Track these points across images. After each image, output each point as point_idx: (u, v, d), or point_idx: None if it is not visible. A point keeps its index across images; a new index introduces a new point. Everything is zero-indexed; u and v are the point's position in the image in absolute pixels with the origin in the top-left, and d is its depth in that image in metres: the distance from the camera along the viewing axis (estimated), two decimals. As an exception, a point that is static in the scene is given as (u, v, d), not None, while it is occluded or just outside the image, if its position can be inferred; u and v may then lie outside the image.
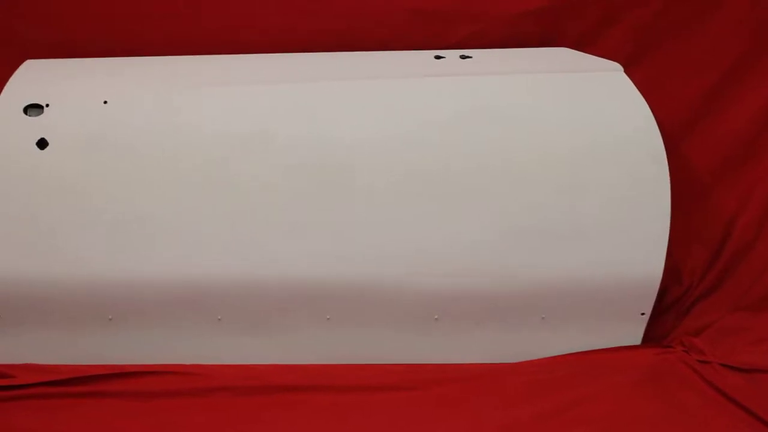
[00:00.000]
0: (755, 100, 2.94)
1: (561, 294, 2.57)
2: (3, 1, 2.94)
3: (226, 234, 2.49)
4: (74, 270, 2.49)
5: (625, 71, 2.68)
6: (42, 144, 2.47)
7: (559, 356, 2.63)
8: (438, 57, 2.85)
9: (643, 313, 2.63)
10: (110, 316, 2.55)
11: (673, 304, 2.91)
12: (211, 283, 2.52)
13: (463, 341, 2.63)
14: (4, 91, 2.57)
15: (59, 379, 2.47)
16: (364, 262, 2.52)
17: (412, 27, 3.00)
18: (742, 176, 2.98)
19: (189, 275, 2.51)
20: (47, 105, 2.52)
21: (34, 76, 2.69)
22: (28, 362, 2.57)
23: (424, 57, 2.88)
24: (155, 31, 3.01)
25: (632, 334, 2.68)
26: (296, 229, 2.49)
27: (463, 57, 2.84)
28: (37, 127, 2.49)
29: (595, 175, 2.51)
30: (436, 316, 2.59)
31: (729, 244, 2.96)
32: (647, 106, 2.56)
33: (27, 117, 2.51)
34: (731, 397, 2.44)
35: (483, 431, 2.34)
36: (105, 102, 2.53)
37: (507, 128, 2.53)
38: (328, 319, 2.58)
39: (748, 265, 2.94)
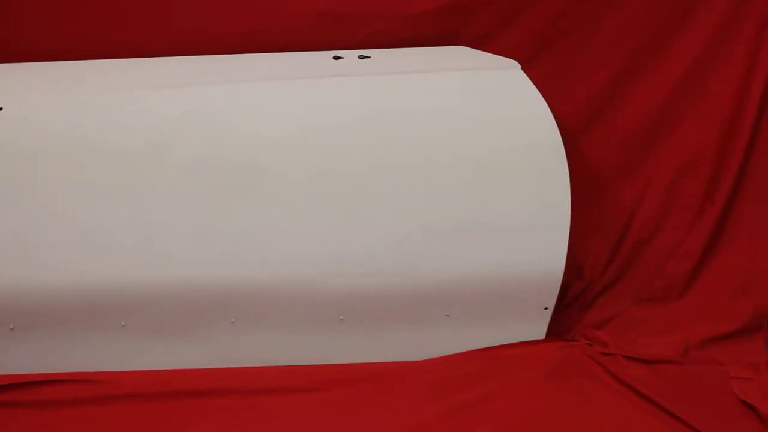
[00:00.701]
0: (651, 95, 3.01)
1: (465, 291, 2.58)
2: None
3: (130, 239, 2.46)
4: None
5: (523, 69, 2.69)
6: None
7: (464, 353, 2.64)
8: (336, 57, 2.85)
9: (546, 308, 2.65)
10: (11, 326, 2.51)
11: (576, 298, 2.96)
12: (115, 288, 2.49)
13: (370, 340, 2.63)
14: None
15: (-41, 392, 2.43)
16: (268, 265, 2.51)
17: (316, 29, 3.00)
18: (639, 170, 3.04)
19: (92, 281, 2.47)
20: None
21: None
22: None
23: (322, 58, 2.87)
24: (64, 34, 2.97)
25: (536, 329, 2.70)
26: (201, 233, 2.48)
27: (361, 57, 2.84)
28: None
29: (495, 172, 2.52)
30: (341, 317, 2.58)
31: (629, 237, 3.02)
32: (545, 102, 2.57)
33: None
34: (635, 388, 2.47)
35: (391, 430, 2.34)
36: (0, 108, 2.49)
37: (407, 127, 2.53)
38: (232, 322, 2.57)
39: (649, 257, 3.01)
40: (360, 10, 2.98)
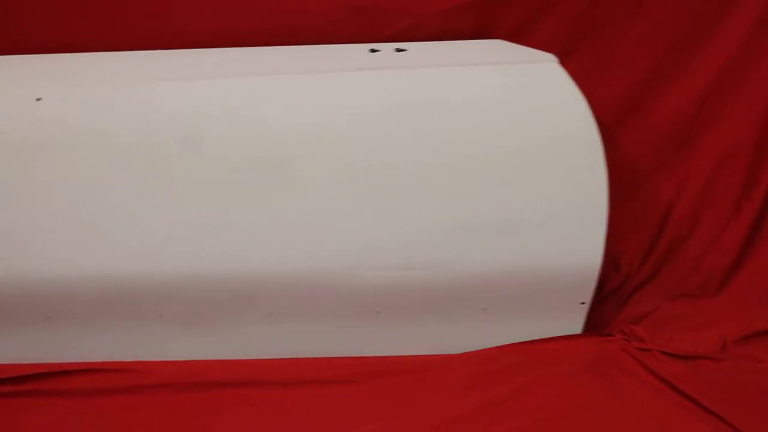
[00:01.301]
0: (690, 88, 2.97)
1: (502, 285, 2.57)
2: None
3: (167, 231, 2.47)
4: (9, 269, 2.47)
5: (560, 62, 2.68)
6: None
7: (500, 347, 2.63)
8: (373, 50, 2.84)
9: (583, 303, 2.64)
10: (49, 314, 2.52)
11: (613, 293, 2.94)
12: (152, 280, 2.49)
13: (406, 334, 2.62)
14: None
15: (-4, 379, 2.45)
16: (304, 257, 2.51)
17: (348, 21, 2.98)
18: (678, 164, 3.02)
19: (126, 273, 2.49)
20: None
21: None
22: (-37, 362, 2.54)
23: (358, 50, 2.86)
24: (82, 27, 2.96)
25: (573, 323, 2.68)
26: (236, 225, 2.48)
27: (398, 50, 2.83)
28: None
29: (533, 166, 2.51)
30: (378, 309, 2.58)
31: (666, 232, 3.00)
32: (582, 96, 2.55)
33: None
34: (672, 384, 2.45)
35: (426, 423, 2.33)
36: (38, 99, 2.50)
37: (443, 121, 2.52)
38: (268, 314, 2.57)
39: (686, 252, 2.98)
40: (395, 3, 2.97)
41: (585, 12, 2.96)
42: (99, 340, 2.57)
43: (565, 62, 2.67)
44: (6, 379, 2.44)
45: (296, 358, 2.58)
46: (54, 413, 2.35)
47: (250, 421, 2.34)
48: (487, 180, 2.50)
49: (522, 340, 2.65)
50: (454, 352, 2.62)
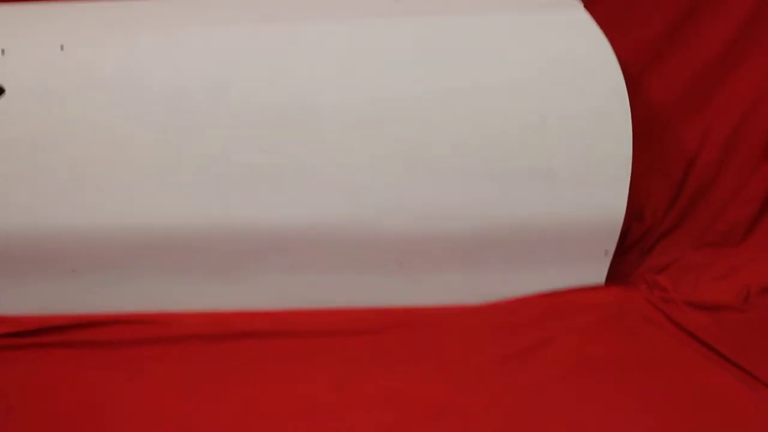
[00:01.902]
0: (716, 35, 2.92)
1: (524, 234, 2.57)
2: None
3: (188, 181, 2.47)
4: (34, 221, 2.48)
5: (585, 7, 2.65)
6: (-2, 91, 2.45)
7: (522, 297, 2.64)
8: (396, -2, 2.82)
9: (606, 252, 2.64)
10: (73, 267, 2.54)
11: (636, 242, 2.93)
12: (174, 230, 2.50)
13: (428, 284, 2.63)
14: (-44, 37, 2.53)
15: (23, 330, 2.46)
16: (325, 206, 2.51)
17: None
18: (703, 113, 2.97)
19: (151, 223, 2.49)
20: (3, 51, 2.48)
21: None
22: (-11, 314, 2.57)
23: (382, -2, 2.84)
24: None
25: (596, 273, 2.68)
26: (259, 174, 2.48)
27: (421, -3, 2.81)
28: (-7, 73, 2.47)
29: (555, 113, 2.49)
30: (400, 260, 2.59)
31: (691, 181, 2.96)
32: (608, 41, 2.53)
33: (-19, 64, 2.48)
34: (696, 335, 2.45)
35: (446, 373, 2.34)
36: (62, 47, 2.50)
37: (468, 67, 2.51)
38: (291, 264, 2.58)
39: (710, 201, 2.95)
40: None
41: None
42: (124, 291, 2.59)
43: (590, 7, 2.65)
44: (33, 330, 2.46)
45: (319, 309, 2.60)
46: (81, 364, 2.37)
47: (274, 370, 2.36)
48: (509, 128, 2.49)
49: (544, 291, 2.65)
50: (476, 303, 2.63)
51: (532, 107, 2.49)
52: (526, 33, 2.57)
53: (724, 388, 2.27)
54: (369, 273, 2.61)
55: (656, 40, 2.96)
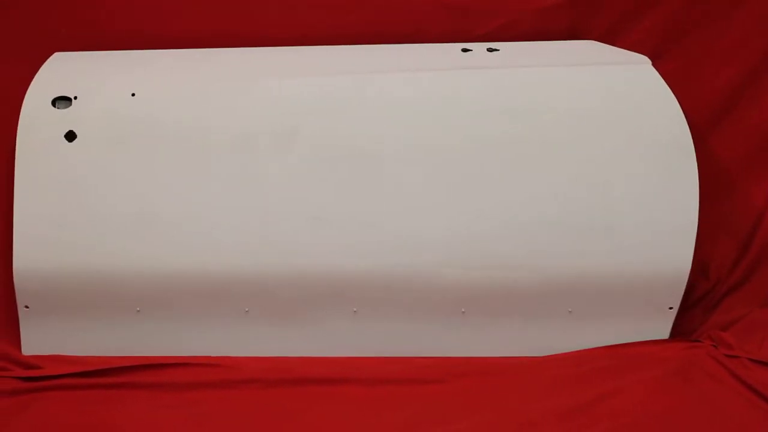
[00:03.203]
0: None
1: (588, 287, 2.56)
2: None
3: (254, 227, 2.51)
4: (102, 262, 2.51)
5: (653, 64, 2.66)
6: (70, 136, 2.48)
7: (585, 350, 2.63)
8: (465, 50, 2.83)
9: (671, 308, 2.62)
10: (138, 308, 2.56)
11: (701, 299, 2.90)
12: (239, 275, 2.53)
13: (490, 335, 2.63)
14: (32, 83, 2.59)
15: (88, 371, 2.48)
16: (391, 255, 2.53)
17: (439, 20, 2.99)
18: (770, 168, 2.97)
19: (216, 268, 2.52)
20: (75, 97, 2.53)
21: (63, 69, 2.69)
22: (56, 353, 2.58)
23: (451, 50, 2.86)
24: (180, 24, 2.99)
25: (660, 328, 2.66)
26: (324, 221, 2.50)
27: (490, 50, 2.82)
28: (65, 119, 2.51)
29: (624, 168, 2.51)
30: (463, 310, 2.58)
31: (757, 238, 2.92)
32: (675, 98, 2.55)
33: (55, 109, 2.52)
34: (759, 391, 2.42)
35: (509, 425, 2.33)
36: (132, 95, 2.54)
37: (536, 121, 2.54)
38: (354, 311, 2.59)
39: (778, 258, 2.93)
40: (487, 2, 2.96)
41: (679, 12, 2.93)
42: (188, 334, 2.61)
43: (658, 64, 2.66)
44: (96, 371, 2.48)
45: (382, 357, 2.60)
46: (143, 406, 2.38)
47: (337, 418, 2.35)
48: (577, 180, 2.51)
49: (608, 344, 2.63)
50: (538, 355, 2.61)
51: (599, 162, 2.51)
52: (593, 88, 2.60)
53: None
54: (431, 322, 2.61)
55: (724, 95, 2.96)
